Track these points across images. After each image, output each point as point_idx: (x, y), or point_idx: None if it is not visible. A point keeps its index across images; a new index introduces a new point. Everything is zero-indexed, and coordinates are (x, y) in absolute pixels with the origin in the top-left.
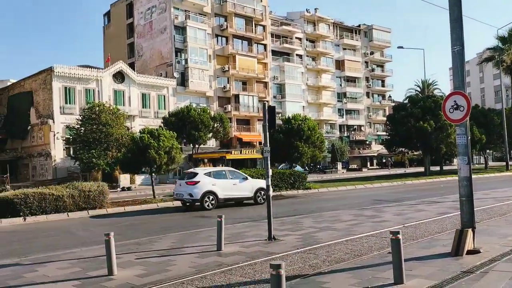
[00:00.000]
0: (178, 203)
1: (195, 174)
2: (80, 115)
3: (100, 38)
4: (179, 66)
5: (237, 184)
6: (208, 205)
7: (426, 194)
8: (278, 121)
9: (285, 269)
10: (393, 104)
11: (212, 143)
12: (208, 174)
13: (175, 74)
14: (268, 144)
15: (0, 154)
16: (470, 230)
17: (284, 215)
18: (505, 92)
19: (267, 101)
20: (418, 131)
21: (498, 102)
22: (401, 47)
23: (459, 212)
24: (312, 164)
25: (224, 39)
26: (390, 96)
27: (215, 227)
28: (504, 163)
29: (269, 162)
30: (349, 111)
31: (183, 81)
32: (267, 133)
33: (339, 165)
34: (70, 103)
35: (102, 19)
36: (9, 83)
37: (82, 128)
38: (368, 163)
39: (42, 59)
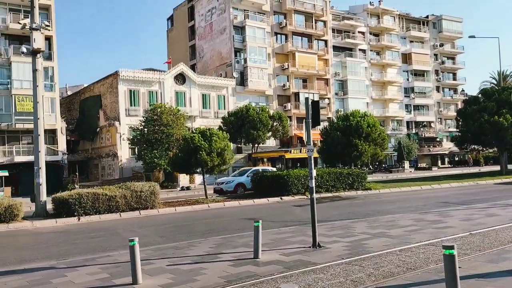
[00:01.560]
0: (229, 204)
1: None
2: (143, 117)
3: (165, 42)
4: (238, 66)
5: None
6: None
7: (500, 195)
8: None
9: (323, 284)
10: (466, 98)
11: (271, 142)
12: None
13: (234, 74)
14: (312, 142)
15: (73, 155)
16: None
17: (337, 219)
18: None
19: (328, 98)
20: (493, 126)
21: None
22: (473, 36)
23: None
24: (377, 163)
25: (283, 36)
26: (463, 90)
27: (263, 231)
28: None
29: (312, 161)
30: (417, 107)
31: (242, 80)
32: (310, 130)
33: (406, 164)
34: (134, 105)
35: (166, 23)
36: (81, 88)
37: (145, 129)
38: (439, 162)
39: (112, 66)
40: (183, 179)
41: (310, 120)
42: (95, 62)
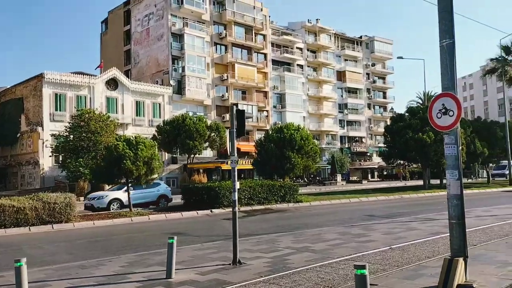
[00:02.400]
0: (154, 217)
1: None
2: (69, 122)
3: (98, 46)
4: (175, 74)
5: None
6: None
7: (422, 209)
8: (246, 127)
9: None
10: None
11: (208, 153)
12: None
13: (172, 82)
14: (236, 153)
15: None
16: (461, 260)
17: (265, 232)
18: (509, 105)
19: (267, 110)
20: (417, 143)
21: (502, 115)
22: (401, 57)
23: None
24: (312, 176)
25: (223, 47)
26: (392, 108)
27: (185, 246)
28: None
29: (236, 173)
30: (350, 122)
31: (179, 89)
32: (235, 140)
33: (339, 177)
34: (60, 110)
35: (100, 26)
36: (1, 90)
37: (70, 135)
38: (369, 175)
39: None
40: None
41: (235, 130)
42: (19, 63)
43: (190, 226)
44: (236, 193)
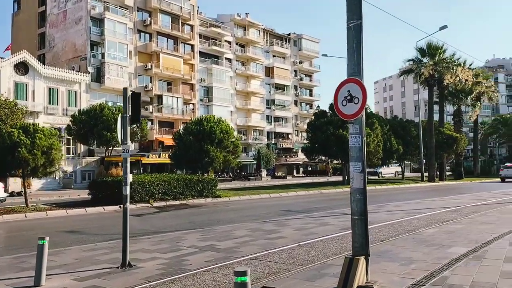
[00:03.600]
0: (53, 213)
1: None
2: None
3: (9, 27)
4: (94, 61)
5: None
6: None
7: (338, 204)
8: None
9: None
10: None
11: (131, 146)
12: None
13: (89, 69)
14: (129, 141)
15: None
16: (362, 259)
17: (172, 230)
18: (423, 106)
19: (193, 103)
20: (337, 138)
21: (418, 115)
22: (325, 55)
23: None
24: (237, 171)
25: (147, 35)
26: (318, 106)
27: (74, 246)
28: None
29: (128, 164)
30: (277, 119)
31: (98, 77)
32: (128, 127)
33: (264, 173)
34: None
35: (12, 5)
36: None
37: None
38: (294, 171)
39: None
40: (14, 183)
41: (129, 115)
42: None
43: (91, 224)
44: (128, 187)
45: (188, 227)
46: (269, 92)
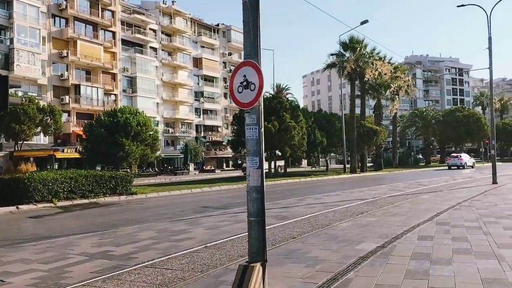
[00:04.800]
0: None
1: None
2: None
3: None
4: (2, 46)
5: None
6: None
7: None
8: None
9: None
10: None
11: (45, 140)
12: None
13: None
14: None
15: None
16: (258, 266)
17: (69, 233)
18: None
19: (115, 94)
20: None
21: (344, 109)
22: None
23: (279, 224)
24: (165, 165)
25: (63, 20)
26: None
27: None
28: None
29: None
30: (206, 111)
31: (7, 64)
32: None
33: (191, 167)
34: None
35: None
36: None
37: None
38: (224, 165)
39: None
40: None
41: None
42: None
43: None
44: None
45: (88, 229)
46: (198, 84)
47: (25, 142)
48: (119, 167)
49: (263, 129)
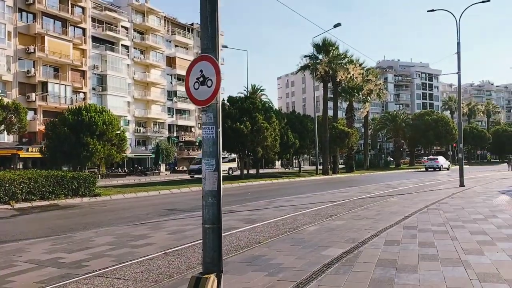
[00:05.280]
0: None
1: None
2: None
3: None
4: None
5: None
6: None
7: (231, 200)
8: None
9: None
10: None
11: (9, 138)
12: None
13: None
14: None
15: None
16: (213, 277)
17: (21, 238)
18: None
19: (84, 92)
20: (235, 132)
21: (318, 111)
22: (225, 47)
23: (245, 228)
24: (136, 165)
25: (30, 15)
26: (223, 100)
27: None
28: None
29: None
30: (179, 111)
31: None
32: None
33: (163, 167)
34: None
35: None
36: None
37: None
38: None
39: None
40: None
41: None
42: None
43: None
44: None
45: (43, 234)
46: (171, 83)
47: None
48: (83, 167)
49: (220, 129)
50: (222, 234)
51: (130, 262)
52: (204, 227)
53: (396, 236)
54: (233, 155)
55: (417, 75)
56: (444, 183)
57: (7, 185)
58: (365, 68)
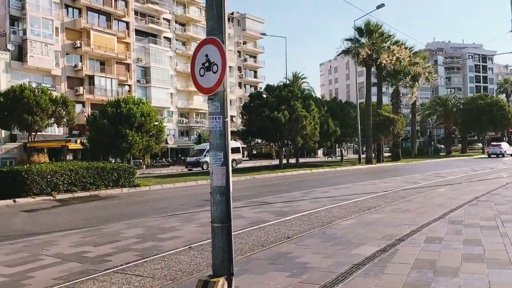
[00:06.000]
0: None
1: None
2: None
3: None
4: (15, 38)
5: None
6: None
7: (264, 191)
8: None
9: None
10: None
11: (60, 131)
12: None
13: (9, 47)
14: None
15: None
16: (222, 281)
17: (54, 230)
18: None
19: (129, 85)
20: (272, 121)
21: (361, 98)
22: (264, 34)
23: (276, 221)
24: (179, 155)
25: (76, 11)
26: (262, 88)
27: None
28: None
29: None
30: None
31: (20, 55)
32: None
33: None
34: None
35: None
36: None
37: None
38: (240, 155)
39: None
40: None
41: None
42: None
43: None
44: None
45: (77, 225)
46: None
47: (40, 133)
48: (124, 159)
49: (228, 119)
50: (247, 229)
51: (153, 257)
52: (213, 226)
53: (438, 232)
54: (237, 144)
55: (470, 56)
56: (499, 171)
57: (49, 176)
58: (412, 51)
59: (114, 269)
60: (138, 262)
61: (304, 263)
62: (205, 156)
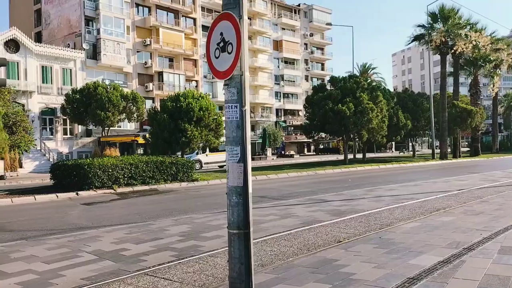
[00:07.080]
0: None
1: None
2: None
3: (6, 5)
4: (90, 37)
5: None
6: None
7: (325, 188)
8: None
9: None
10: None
11: (131, 126)
12: None
13: (85, 46)
14: None
15: None
16: None
17: (104, 224)
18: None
19: (196, 80)
20: (336, 114)
21: (437, 89)
22: (330, 24)
23: (330, 222)
24: None
25: (146, 9)
26: (323, 80)
27: None
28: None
29: None
30: (286, 95)
31: (94, 54)
32: None
33: (269, 152)
34: None
35: None
36: None
37: None
38: (306, 149)
39: None
40: None
41: None
42: None
43: (19, 216)
44: None
45: (127, 220)
46: (278, 67)
47: (113, 128)
48: (183, 153)
49: (247, 107)
50: (300, 229)
51: (189, 258)
52: (229, 233)
53: None
54: None
55: None
56: None
57: (110, 170)
58: (494, 37)
59: (144, 271)
60: (172, 263)
61: (349, 274)
62: (197, 153)
